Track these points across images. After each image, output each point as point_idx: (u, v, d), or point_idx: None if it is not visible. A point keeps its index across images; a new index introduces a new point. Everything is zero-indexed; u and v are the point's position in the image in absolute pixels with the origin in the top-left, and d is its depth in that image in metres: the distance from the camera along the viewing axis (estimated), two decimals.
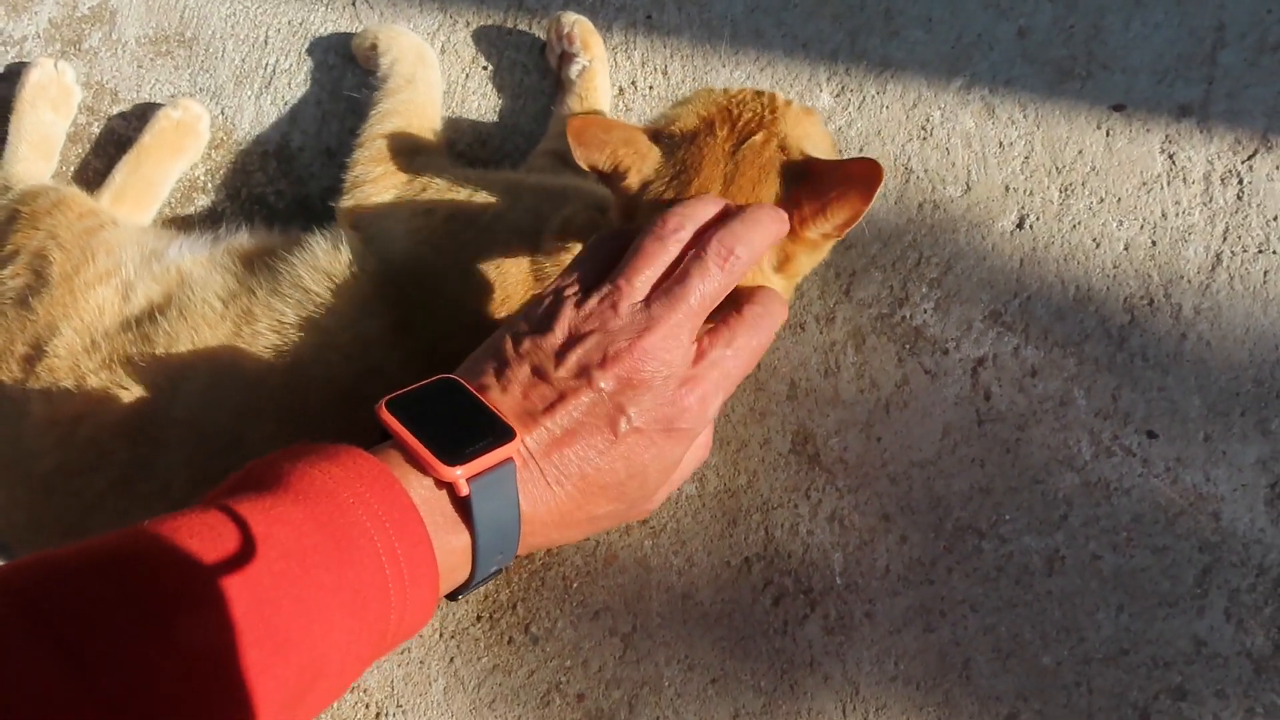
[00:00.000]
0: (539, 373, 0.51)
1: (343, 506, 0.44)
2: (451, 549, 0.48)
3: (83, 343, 0.72)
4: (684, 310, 0.51)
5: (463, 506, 0.47)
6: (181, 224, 0.90)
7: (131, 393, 0.69)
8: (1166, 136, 0.83)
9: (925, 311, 0.81)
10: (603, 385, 0.50)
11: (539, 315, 0.53)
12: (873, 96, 0.86)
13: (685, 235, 0.53)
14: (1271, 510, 0.74)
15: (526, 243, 0.70)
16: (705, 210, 0.55)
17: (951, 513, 0.77)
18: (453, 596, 0.52)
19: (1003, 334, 0.80)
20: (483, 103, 0.91)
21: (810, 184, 0.60)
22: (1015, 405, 0.78)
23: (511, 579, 0.79)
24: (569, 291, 0.53)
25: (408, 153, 0.81)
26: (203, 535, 0.41)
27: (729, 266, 0.52)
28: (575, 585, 0.78)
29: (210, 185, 0.92)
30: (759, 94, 0.64)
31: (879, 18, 0.88)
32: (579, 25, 0.86)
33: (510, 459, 0.48)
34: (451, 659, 0.78)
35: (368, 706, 0.78)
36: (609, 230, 0.58)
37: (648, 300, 0.51)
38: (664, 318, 0.50)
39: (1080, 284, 0.80)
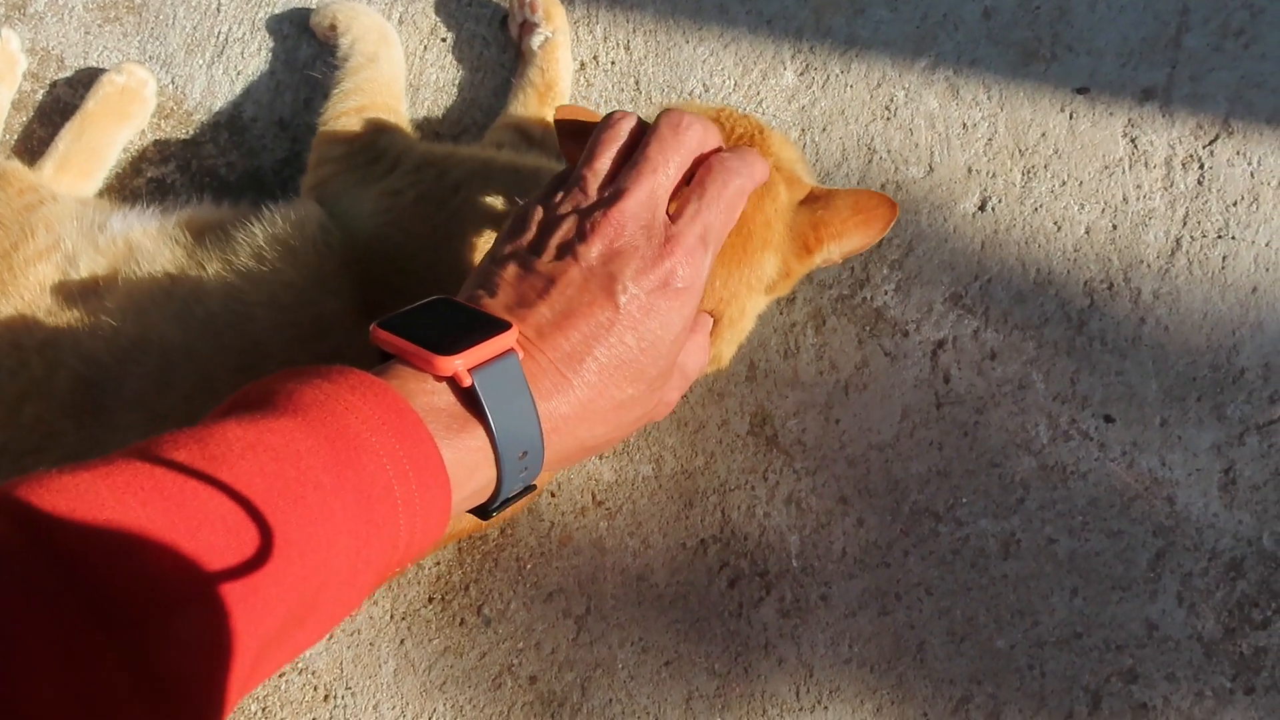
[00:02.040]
0: (523, 267, 0.50)
1: (336, 413, 0.42)
2: (465, 448, 0.45)
3: (24, 321, 0.69)
4: (650, 177, 0.51)
5: (471, 402, 0.45)
6: (129, 196, 0.88)
7: (78, 372, 0.67)
8: (1129, 120, 0.82)
9: (886, 293, 0.80)
10: (588, 258, 0.49)
11: (511, 225, 0.53)
12: (837, 75, 0.85)
13: (633, 119, 0.54)
14: (1225, 495, 0.75)
15: (498, 225, 0.68)
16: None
17: (909, 496, 0.77)
18: (486, 512, 0.49)
19: (963, 317, 0.79)
20: (441, 75, 0.89)
21: (825, 209, 0.60)
22: (974, 388, 0.78)
23: (464, 560, 0.78)
24: (534, 201, 0.53)
25: (373, 132, 0.79)
26: (189, 448, 0.39)
27: (683, 134, 0.52)
28: (529, 566, 0.77)
29: (159, 157, 0.89)
30: (745, 115, 0.63)
31: None
32: None
33: (511, 349, 0.46)
34: (402, 640, 0.77)
35: (315, 689, 0.77)
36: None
37: (612, 176, 0.52)
38: (633, 186, 0.50)
39: (1041, 267, 0.80)
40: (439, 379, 0.45)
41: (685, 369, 0.56)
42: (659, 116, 0.53)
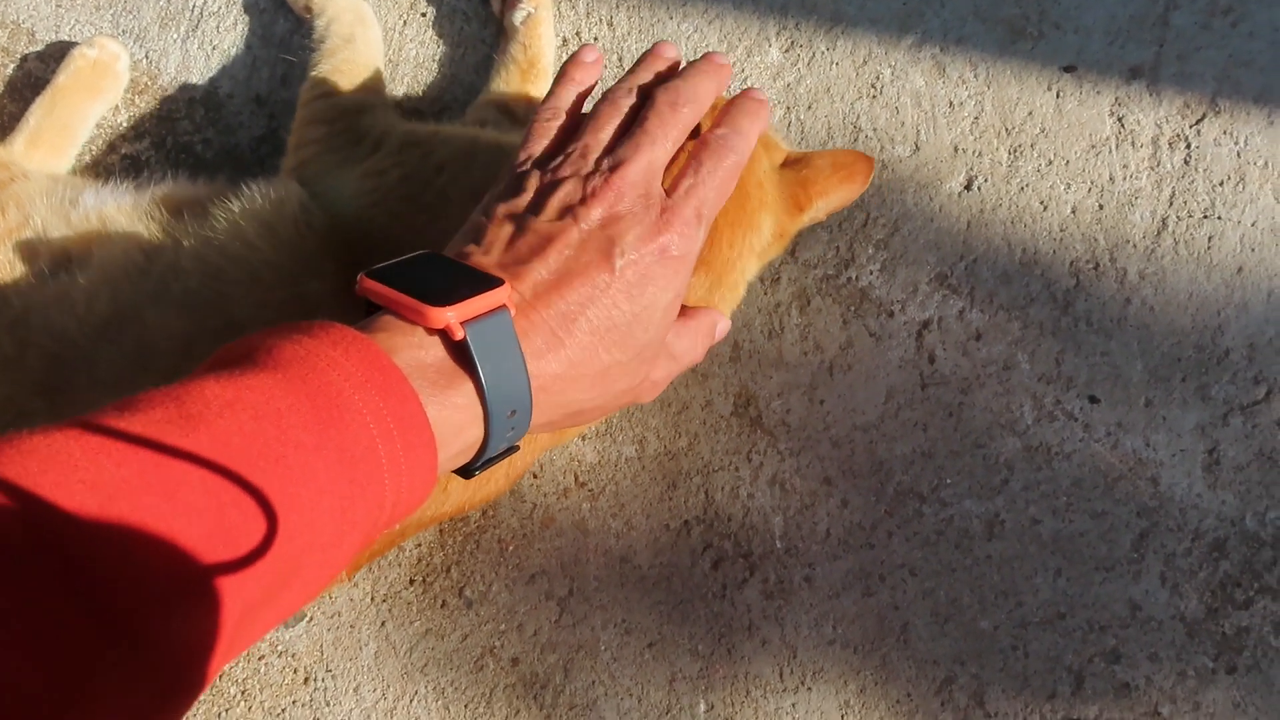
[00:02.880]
0: (520, 226, 0.50)
1: (318, 370, 0.40)
2: (452, 405, 0.44)
3: None
4: (649, 149, 0.51)
5: (461, 356, 0.45)
6: (102, 172, 0.86)
7: (49, 350, 0.65)
8: (1116, 99, 0.82)
9: (871, 273, 0.80)
10: (589, 220, 0.49)
11: (505, 184, 0.53)
12: (823, 52, 0.84)
13: (634, 96, 0.55)
14: (1209, 476, 0.75)
15: None
16: (645, 73, 0.57)
17: (893, 477, 0.76)
18: (469, 471, 0.48)
19: (948, 297, 0.79)
20: (421, 51, 0.87)
21: (808, 168, 0.64)
22: (959, 369, 0.78)
23: (446, 542, 0.77)
24: (529, 162, 0.53)
25: (353, 112, 0.77)
26: (166, 406, 0.37)
27: (680, 110, 0.53)
28: (511, 548, 0.77)
29: (133, 133, 0.88)
30: None
31: None
32: None
33: (504, 305, 0.46)
34: (383, 623, 0.76)
35: (295, 671, 0.76)
36: (548, 108, 0.56)
37: (612, 147, 0.52)
38: (634, 156, 0.51)
39: (1027, 247, 0.79)
40: (430, 332, 0.45)
41: (675, 353, 0.56)
42: (656, 92, 0.54)
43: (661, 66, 0.57)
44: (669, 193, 0.52)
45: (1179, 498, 0.74)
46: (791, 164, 0.65)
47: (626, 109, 0.54)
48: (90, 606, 0.33)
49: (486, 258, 0.49)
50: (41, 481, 0.34)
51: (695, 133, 0.56)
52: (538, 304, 0.47)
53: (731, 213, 0.60)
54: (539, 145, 0.54)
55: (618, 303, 0.49)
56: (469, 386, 0.44)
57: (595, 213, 0.49)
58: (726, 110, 0.56)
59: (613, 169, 0.51)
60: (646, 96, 0.55)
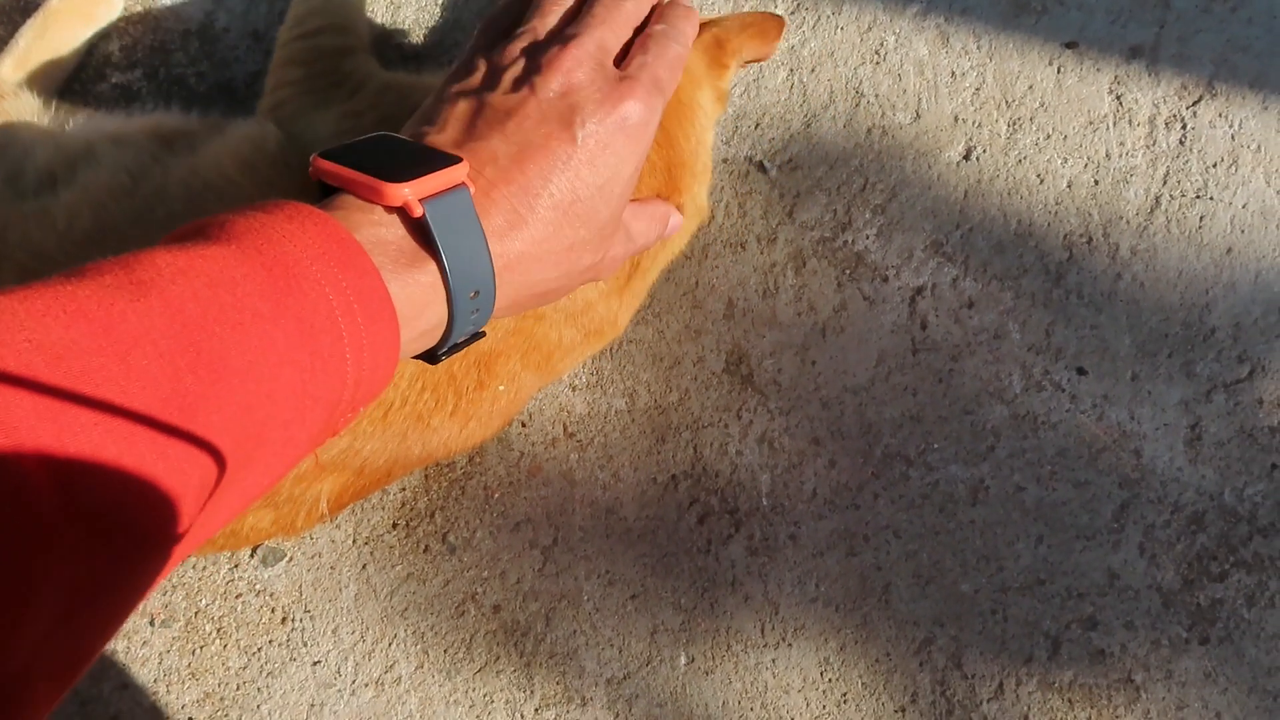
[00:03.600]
0: (475, 102, 0.49)
1: (273, 241, 0.39)
2: (415, 284, 0.43)
3: None
4: (600, 28, 0.51)
5: (421, 234, 0.43)
6: (92, 100, 0.84)
7: (24, 265, 0.64)
8: (1115, 77, 0.82)
9: (867, 238, 0.80)
10: (547, 90, 0.48)
11: (456, 69, 0.52)
12: (828, 16, 0.84)
13: None
14: (1190, 450, 0.76)
15: None
16: None
17: (881, 439, 0.77)
18: (434, 356, 0.47)
19: (943, 264, 0.79)
20: None
21: (719, 28, 0.66)
22: (950, 336, 0.78)
23: (430, 487, 0.76)
24: (477, 51, 0.53)
25: (331, 54, 0.76)
26: (115, 273, 0.35)
27: (627, 5, 0.53)
28: (496, 496, 0.76)
29: (125, 62, 0.86)
30: None
31: None
32: None
33: (463, 183, 0.45)
34: (364, 565, 0.76)
35: (273, 611, 0.75)
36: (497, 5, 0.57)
37: (560, 28, 0.52)
38: (584, 32, 0.51)
39: (1022, 219, 0.80)
40: (388, 210, 0.43)
41: (632, 233, 0.56)
42: None
43: None
44: (624, 66, 0.52)
45: (1160, 471, 0.75)
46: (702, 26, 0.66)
47: (571, 1, 0.54)
48: (38, 468, 0.31)
49: (442, 136, 0.48)
50: None
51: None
52: (498, 181, 0.46)
53: (670, 110, 0.61)
54: (486, 36, 0.54)
55: (580, 175, 0.48)
56: (431, 266, 0.43)
57: (553, 81, 0.48)
58: (660, 13, 0.56)
59: (565, 40, 0.50)
60: None
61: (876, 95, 0.83)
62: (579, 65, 0.49)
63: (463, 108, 0.49)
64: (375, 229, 0.43)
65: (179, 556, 0.36)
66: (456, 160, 0.45)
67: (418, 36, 0.86)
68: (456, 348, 0.48)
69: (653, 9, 0.56)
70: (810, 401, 0.77)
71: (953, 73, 0.83)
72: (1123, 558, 0.74)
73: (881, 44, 0.84)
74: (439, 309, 0.44)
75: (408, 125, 0.51)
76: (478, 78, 0.50)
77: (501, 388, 0.65)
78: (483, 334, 0.49)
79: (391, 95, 0.70)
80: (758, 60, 0.67)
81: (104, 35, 0.86)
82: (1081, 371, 0.77)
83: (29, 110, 0.74)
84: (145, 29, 0.86)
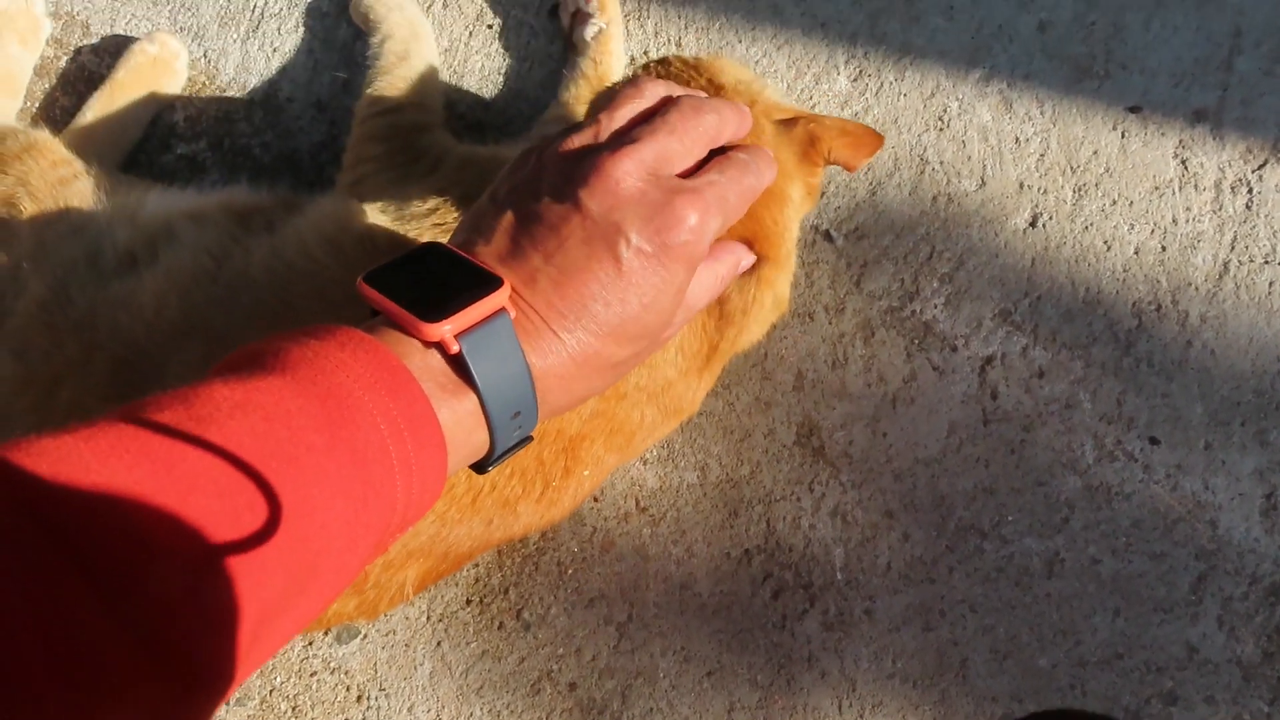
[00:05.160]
0: (521, 212, 0.47)
1: (326, 371, 0.39)
2: (460, 413, 0.43)
3: (58, 300, 0.66)
4: (666, 137, 0.48)
5: (459, 366, 0.43)
6: (157, 171, 0.85)
7: (116, 354, 0.64)
8: (1180, 141, 0.82)
9: (935, 307, 0.80)
10: (592, 205, 0.45)
11: (514, 163, 0.50)
12: (891, 83, 0.84)
13: (661, 89, 0.51)
14: (1266, 520, 0.75)
15: None
16: (675, 84, 0.53)
17: (954, 512, 0.76)
18: (482, 469, 0.47)
19: (1012, 333, 0.79)
20: (487, 63, 0.86)
21: (816, 125, 0.63)
22: (1021, 406, 0.78)
23: (504, 563, 0.76)
24: (539, 143, 0.50)
25: (411, 131, 0.76)
26: (175, 409, 0.36)
27: (705, 114, 0.50)
28: (570, 571, 0.76)
29: (190, 133, 0.86)
30: (679, 55, 0.64)
31: (901, 2, 0.86)
32: None
33: (503, 309, 0.44)
34: (439, 643, 0.75)
35: (349, 689, 0.75)
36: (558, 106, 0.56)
37: (627, 130, 0.49)
38: (650, 137, 0.47)
39: (1090, 286, 0.80)
40: (426, 346, 0.43)
41: (690, 302, 0.53)
42: (681, 96, 0.51)
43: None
44: (690, 176, 0.49)
45: (1237, 541, 0.75)
46: (792, 122, 0.64)
47: (651, 99, 0.50)
48: (106, 608, 0.32)
49: (488, 248, 0.47)
50: (53, 483, 0.33)
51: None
52: (538, 302, 0.45)
53: (759, 198, 0.59)
54: (557, 128, 0.53)
55: (625, 297, 0.46)
56: (472, 397, 0.43)
57: (597, 195, 0.46)
58: (744, 146, 0.54)
59: (621, 145, 0.46)
60: (673, 98, 0.51)
61: (941, 162, 0.83)
62: (628, 176, 0.46)
63: (508, 218, 0.47)
64: (422, 355, 0.43)
65: (236, 678, 0.37)
66: (498, 284, 0.44)
67: (480, 107, 0.86)
68: (502, 458, 0.48)
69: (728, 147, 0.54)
70: (882, 474, 0.77)
71: (1017, 138, 0.83)
72: (1201, 631, 0.74)
73: (945, 110, 0.84)
74: (483, 432, 0.45)
75: (460, 229, 0.50)
76: (526, 175, 0.48)
77: (586, 472, 0.64)
78: (530, 439, 0.49)
79: (472, 171, 0.70)
80: (845, 168, 0.65)
81: (168, 106, 0.86)
82: (1154, 441, 0.77)
83: (102, 187, 0.74)
84: (209, 100, 0.87)
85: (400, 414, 0.40)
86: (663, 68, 0.65)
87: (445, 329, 0.42)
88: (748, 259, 0.58)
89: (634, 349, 0.48)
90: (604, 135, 0.48)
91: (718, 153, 0.51)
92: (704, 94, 0.54)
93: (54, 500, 0.33)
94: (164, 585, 0.33)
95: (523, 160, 0.50)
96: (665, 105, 0.50)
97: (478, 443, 0.45)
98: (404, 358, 0.42)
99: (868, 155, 0.65)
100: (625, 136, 0.48)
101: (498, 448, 0.46)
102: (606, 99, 0.51)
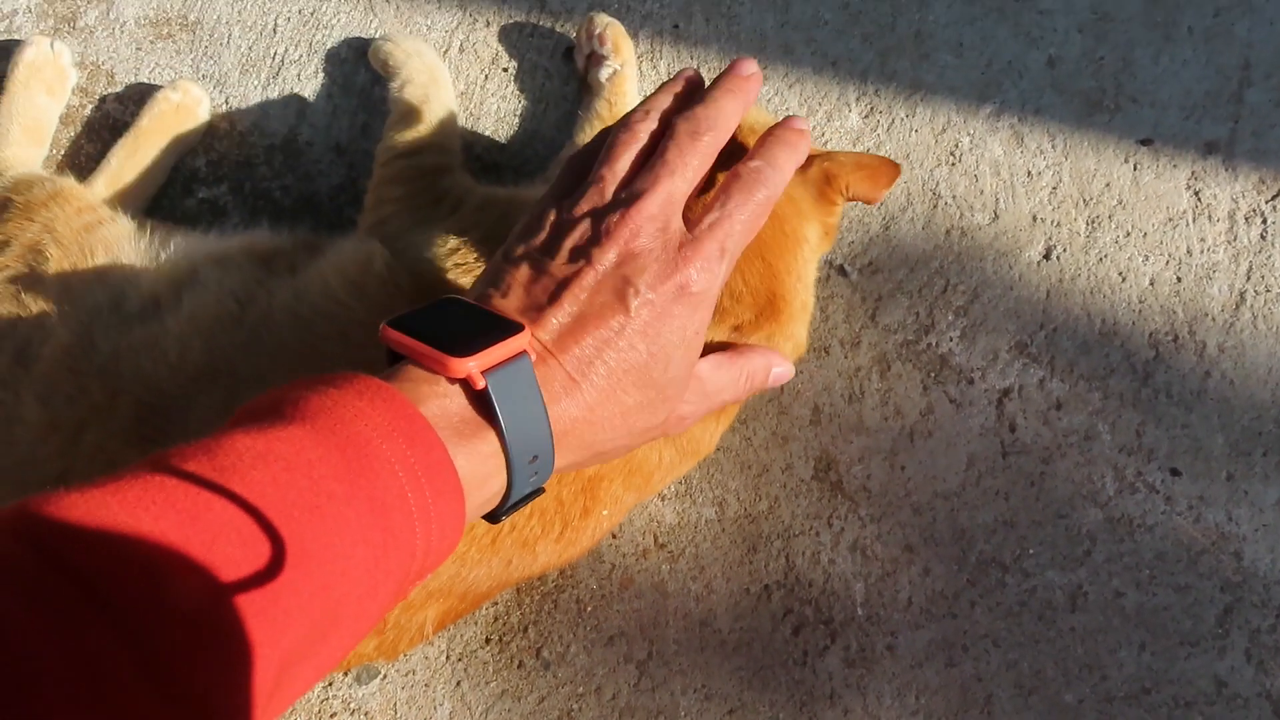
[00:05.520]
0: (536, 268, 0.49)
1: (345, 420, 0.41)
2: (478, 455, 0.44)
3: (82, 345, 0.67)
4: (668, 180, 0.50)
5: (483, 405, 0.45)
6: (180, 216, 0.86)
7: (140, 399, 0.65)
8: (1192, 173, 0.83)
9: (951, 340, 0.80)
10: (603, 263, 0.48)
11: (524, 225, 0.52)
12: (902, 119, 0.85)
13: (653, 122, 0.53)
14: None
15: None
16: (664, 98, 0.55)
17: (975, 545, 0.76)
18: (495, 517, 0.48)
19: (1028, 365, 0.79)
20: (502, 105, 0.88)
21: (830, 162, 0.63)
22: (1040, 438, 0.78)
23: (523, 601, 0.76)
24: (549, 200, 0.53)
25: (430, 174, 0.78)
26: (198, 460, 0.38)
27: (701, 138, 0.51)
28: (589, 609, 0.76)
29: (212, 177, 0.88)
30: None
31: (910, 40, 0.87)
32: (611, 28, 0.84)
33: (524, 352, 0.46)
34: (458, 682, 0.75)
35: None
36: (575, 150, 0.57)
37: (630, 180, 0.51)
38: (651, 189, 0.50)
39: (1106, 318, 0.80)
40: (452, 381, 0.45)
41: (709, 389, 0.56)
42: (676, 120, 0.52)
43: (679, 88, 0.55)
44: (693, 226, 0.51)
45: (1262, 573, 0.74)
46: (806, 162, 0.62)
47: (645, 136, 0.52)
48: (130, 655, 0.33)
49: (506, 301, 0.49)
50: (81, 536, 0.34)
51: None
52: (555, 349, 0.47)
53: (773, 242, 0.60)
54: (563, 182, 0.54)
55: (634, 344, 0.49)
56: (492, 435, 0.45)
57: (609, 254, 0.49)
58: (764, 141, 0.54)
59: (628, 204, 0.49)
60: (668, 124, 0.53)
61: (954, 196, 0.83)
62: (638, 234, 0.49)
63: (523, 273, 0.50)
64: (440, 400, 0.44)
65: None
66: (519, 328, 0.46)
67: (497, 149, 0.87)
68: (517, 506, 0.49)
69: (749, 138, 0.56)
70: (901, 508, 0.77)
71: (1029, 172, 0.84)
72: (1229, 664, 0.73)
73: (957, 145, 0.85)
74: (500, 477, 0.46)
75: (477, 284, 0.52)
76: (540, 239, 0.51)
77: (605, 512, 0.65)
78: (542, 490, 0.50)
79: (493, 212, 0.71)
80: (865, 202, 0.66)
81: (191, 151, 0.88)
82: (1175, 472, 0.77)
83: (126, 233, 0.76)
84: (230, 144, 0.88)
85: (418, 462, 0.41)
86: None
87: (471, 365, 0.44)
88: (783, 370, 0.60)
89: (642, 396, 0.50)
90: (608, 192, 0.51)
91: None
92: (697, 84, 0.55)
93: (82, 550, 0.34)
94: (187, 631, 0.34)
95: (533, 222, 0.52)
96: (663, 139, 0.52)
97: (494, 488, 0.46)
98: (420, 403, 0.43)
99: (887, 186, 0.65)
100: (629, 190, 0.50)
101: (514, 493, 0.47)
102: (603, 145, 0.53)
